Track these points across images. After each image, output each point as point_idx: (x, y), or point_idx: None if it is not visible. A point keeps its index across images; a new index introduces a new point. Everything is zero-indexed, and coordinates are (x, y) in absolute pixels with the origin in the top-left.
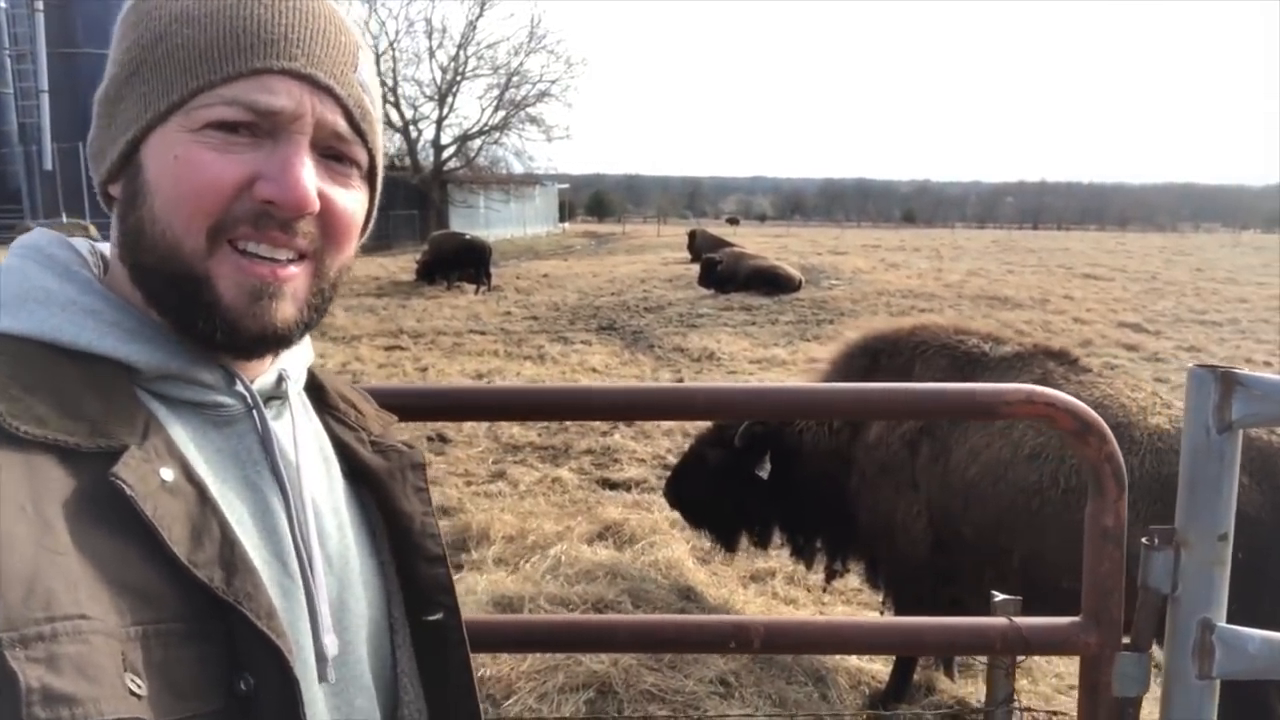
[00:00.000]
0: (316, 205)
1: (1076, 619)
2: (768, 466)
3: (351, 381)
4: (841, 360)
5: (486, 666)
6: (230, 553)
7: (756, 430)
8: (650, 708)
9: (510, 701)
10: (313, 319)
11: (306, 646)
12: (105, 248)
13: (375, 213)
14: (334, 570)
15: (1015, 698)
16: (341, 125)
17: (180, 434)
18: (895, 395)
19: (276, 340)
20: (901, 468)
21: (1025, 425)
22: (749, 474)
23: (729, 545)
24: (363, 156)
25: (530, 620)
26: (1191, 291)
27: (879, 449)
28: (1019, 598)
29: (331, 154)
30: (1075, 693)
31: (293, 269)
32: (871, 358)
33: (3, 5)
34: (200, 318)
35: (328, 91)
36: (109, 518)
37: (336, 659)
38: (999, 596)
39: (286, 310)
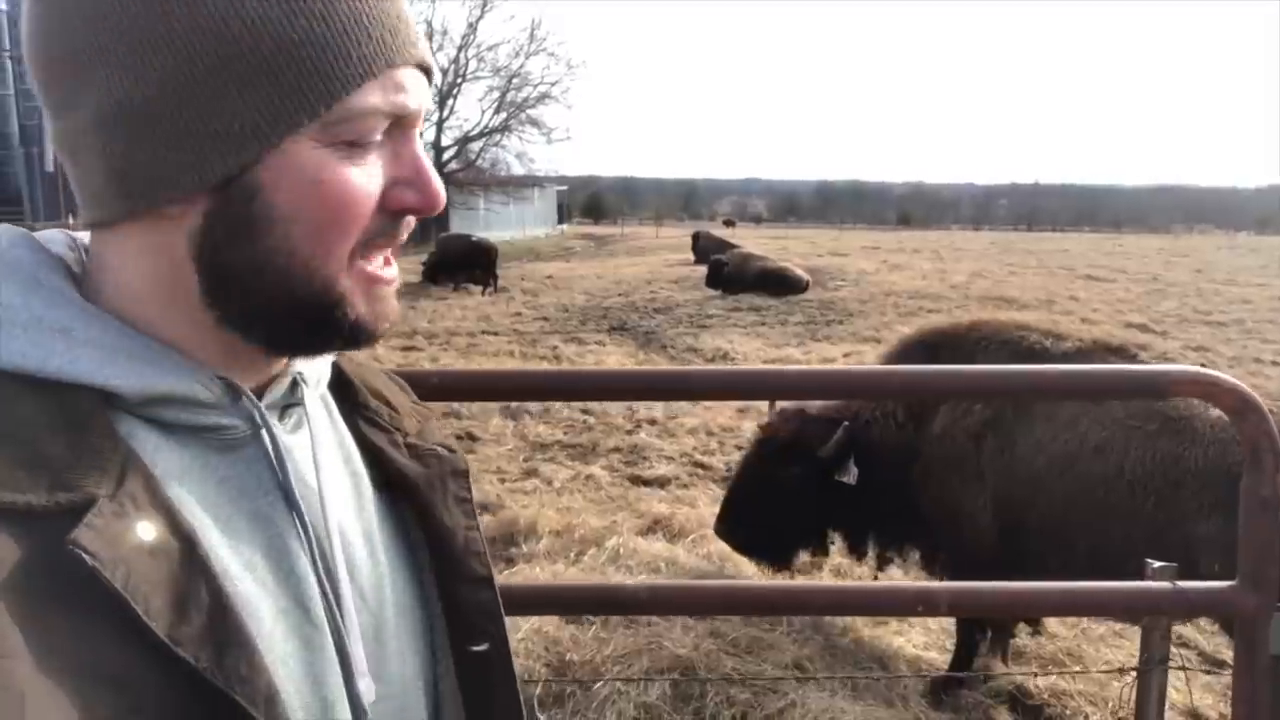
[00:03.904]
0: None
1: (1234, 583)
2: (854, 470)
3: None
4: (898, 356)
5: (571, 651)
6: (222, 623)
7: (844, 436)
8: (731, 691)
9: (598, 685)
10: None
11: (339, 700)
12: (88, 237)
13: None
14: (368, 605)
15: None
16: (430, 104)
17: (172, 468)
18: (1073, 377)
19: (385, 335)
20: (967, 460)
21: (1090, 419)
22: (829, 483)
23: (788, 565)
24: None
25: (731, 585)
26: (1194, 292)
27: (944, 442)
28: (1175, 564)
29: None
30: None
31: (395, 267)
32: (930, 352)
33: (3, 7)
34: (337, 337)
35: (429, 76)
36: (71, 592)
37: (374, 704)
38: (1155, 564)
39: (395, 304)
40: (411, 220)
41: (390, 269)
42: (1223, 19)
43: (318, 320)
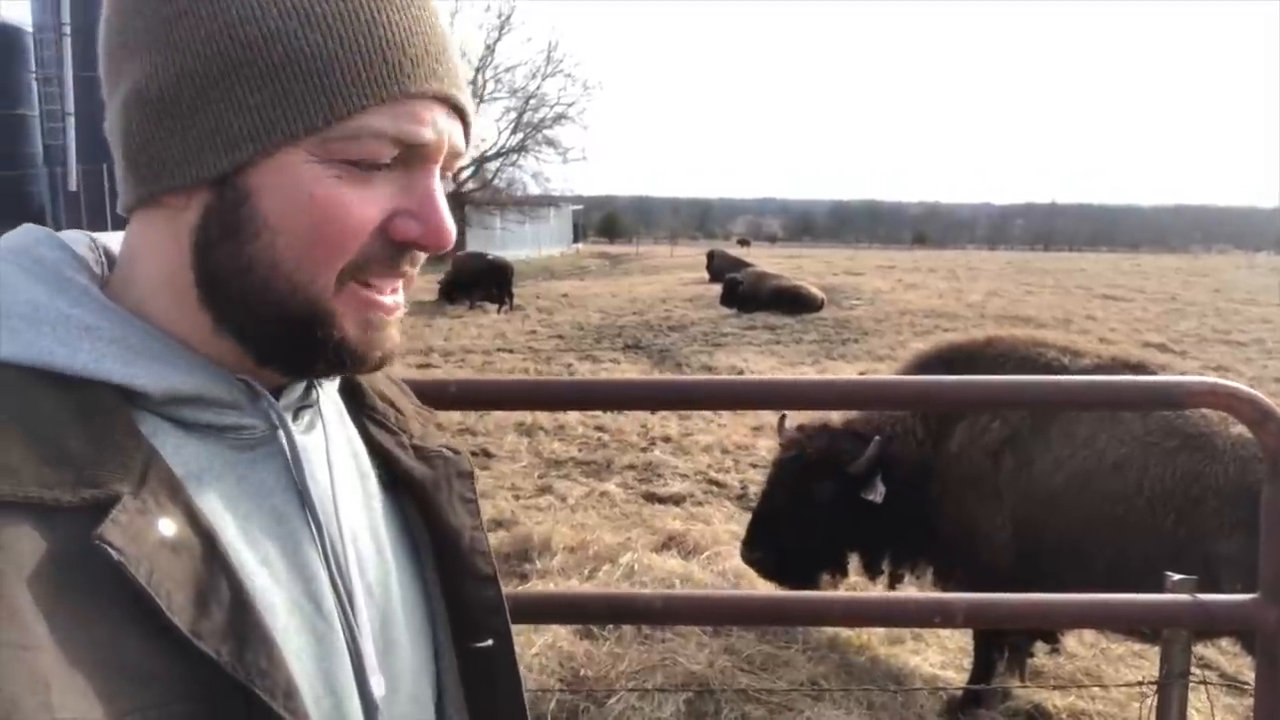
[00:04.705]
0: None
1: (1256, 595)
2: (882, 489)
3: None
4: (914, 371)
5: (585, 666)
6: (242, 619)
7: (876, 452)
8: (746, 708)
9: (613, 700)
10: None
11: (349, 695)
12: (109, 240)
13: None
14: (375, 601)
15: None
16: (462, 146)
17: (192, 466)
18: (1092, 388)
19: (386, 365)
20: (984, 478)
21: (1109, 436)
22: (856, 501)
23: (814, 585)
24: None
25: (747, 596)
26: (1213, 312)
27: (961, 460)
28: (1194, 577)
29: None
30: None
31: (401, 295)
32: (947, 367)
33: (29, 30)
34: (321, 358)
35: (460, 114)
36: (96, 586)
37: (384, 699)
38: (1175, 576)
39: (394, 335)
40: (419, 255)
41: (392, 296)
42: (1242, 37)
43: (301, 336)
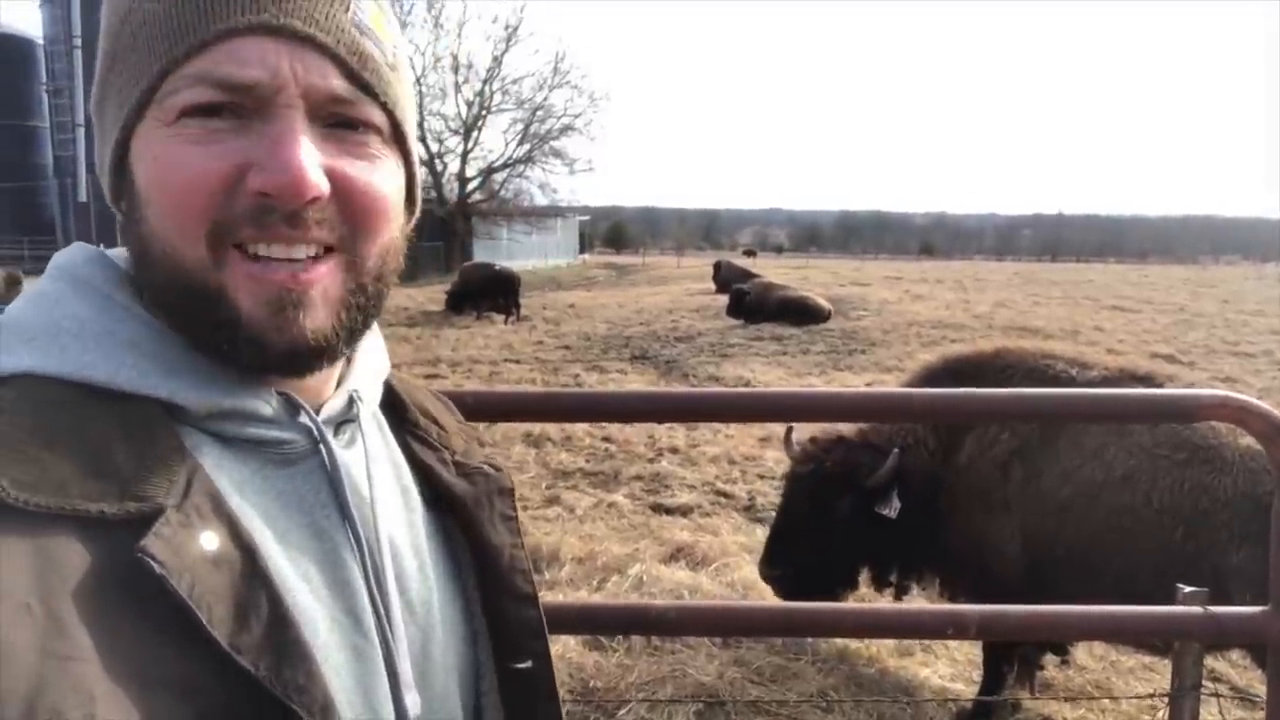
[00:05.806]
0: (323, 188)
1: (1267, 608)
2: (897, 504)
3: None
4: (921, 382)
5: (595, 677)
6: (281, 634)
7: (895, 464)
8: (756, 719)
9: (623, 712)
10: (356, 322)
11: (387, 712)
12: None
13: (418, 184)
14: (416, 618)
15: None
16: (337, 84)
17: (233, 481)
18: (1101, 401)
19: (311, 354)
20: (993, 490)
21: (1118, 448)
22: (873, 515)
23: (833, 598)
24: (378, 117)
25: (759, 606)
26: (1221, 323)
27: (970, 472)
28: (1206, 589)
29: (339, 121)
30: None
31: (319, 268)
32: (954, 379)
33: (40, 42)
34: (222, 338)
35: (310, 43)
36: (137, 599)
37: (419, 718)
38: (1186, 589)
39: (317, 318)
40: (303, 213)
41: (277, 271)
42: (1251, 46)
43: (204, 319)
